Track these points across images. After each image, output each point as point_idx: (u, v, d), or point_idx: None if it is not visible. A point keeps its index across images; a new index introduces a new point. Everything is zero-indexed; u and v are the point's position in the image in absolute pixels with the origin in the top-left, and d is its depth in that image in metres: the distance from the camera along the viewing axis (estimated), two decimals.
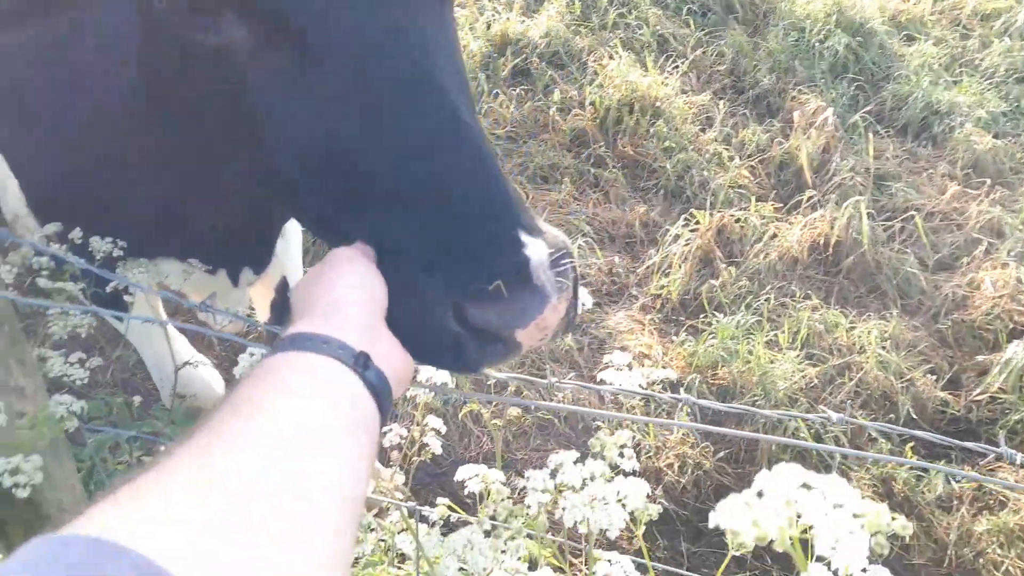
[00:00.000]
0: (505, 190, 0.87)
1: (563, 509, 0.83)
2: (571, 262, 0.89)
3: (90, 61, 1.23)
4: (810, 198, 3.44)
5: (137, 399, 1.65)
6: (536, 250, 0.83)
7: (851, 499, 0.59)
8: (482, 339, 0.84)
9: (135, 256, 1.33)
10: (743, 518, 0.58)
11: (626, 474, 0.88)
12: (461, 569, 0.89)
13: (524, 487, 1.02)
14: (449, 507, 1.25)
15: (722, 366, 2.75)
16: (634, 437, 2.58)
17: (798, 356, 2.81)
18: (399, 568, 1.41)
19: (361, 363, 0.68)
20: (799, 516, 0.57)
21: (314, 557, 0.48)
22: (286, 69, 0.88)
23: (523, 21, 4.24)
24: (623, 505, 0.79)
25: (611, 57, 4.09)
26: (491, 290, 0.80)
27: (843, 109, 3.91)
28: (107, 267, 1.29)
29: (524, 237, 0.83)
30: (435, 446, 1.52)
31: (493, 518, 0.99)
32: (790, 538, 0.56)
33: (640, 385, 1.16)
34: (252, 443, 0.53)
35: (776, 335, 2.87)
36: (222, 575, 0.41)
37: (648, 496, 0.80)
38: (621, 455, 0.87)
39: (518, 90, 3.93)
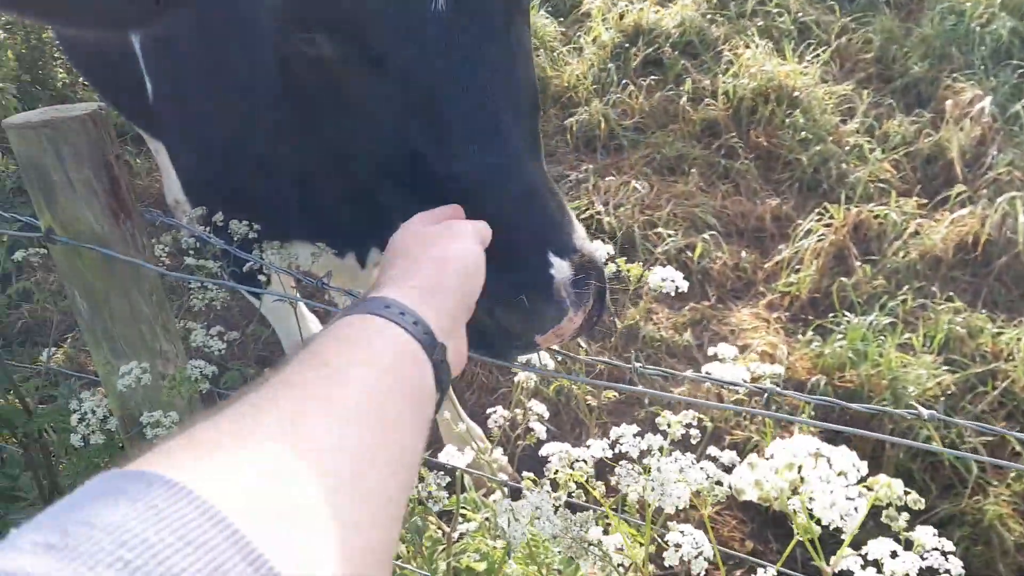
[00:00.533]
0: (543, 213, 0.99)
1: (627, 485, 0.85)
2: (597, 277, 1.01)
3: (236, 64, 1.35)
4: (959, 194, 3.22)
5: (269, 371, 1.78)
6: (561, 271, 0.95)
7: (856, 469, 0.61)
8: (507, 335, 0.98)
9: (270, 239, 1.45)
10: (748, 478, 0.62)
11: (695, 453, 0.88)
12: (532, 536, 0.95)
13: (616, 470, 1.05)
14: (533, 480, 1.29)
15: (850, 368, 2.63)
16: (751, 439, 2.52)
17: (935, 361, 2.65)
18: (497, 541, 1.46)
19: (439, 355, 0.68)
20: (802, 480, 0.59)
21: (378, 520, 0.49)
22: (367, 82, 1.02)
23: (657, 11, 4.19)
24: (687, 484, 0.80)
25: (748, 46, 3.97)
26: (517, 301, 0.94)
27: (1003, 98, 3.62)
28: (245, 249, 1.41)
29: (553, 258, 0.95)
30: (540, 431, 1.55)
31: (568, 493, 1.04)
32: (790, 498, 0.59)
33: (743, 380, 1.14)
34: (328, 409, 0.53)
35: (911, 338, 2.72)
36: (285, 530, 0.41)
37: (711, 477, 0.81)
38: (687, 434, 0.88)
39: (648, 80, 3.89)
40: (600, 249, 1.06)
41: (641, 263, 3.14)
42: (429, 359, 0.67)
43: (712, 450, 0.92)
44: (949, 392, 2.59)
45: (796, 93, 3.67)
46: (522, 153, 1.00)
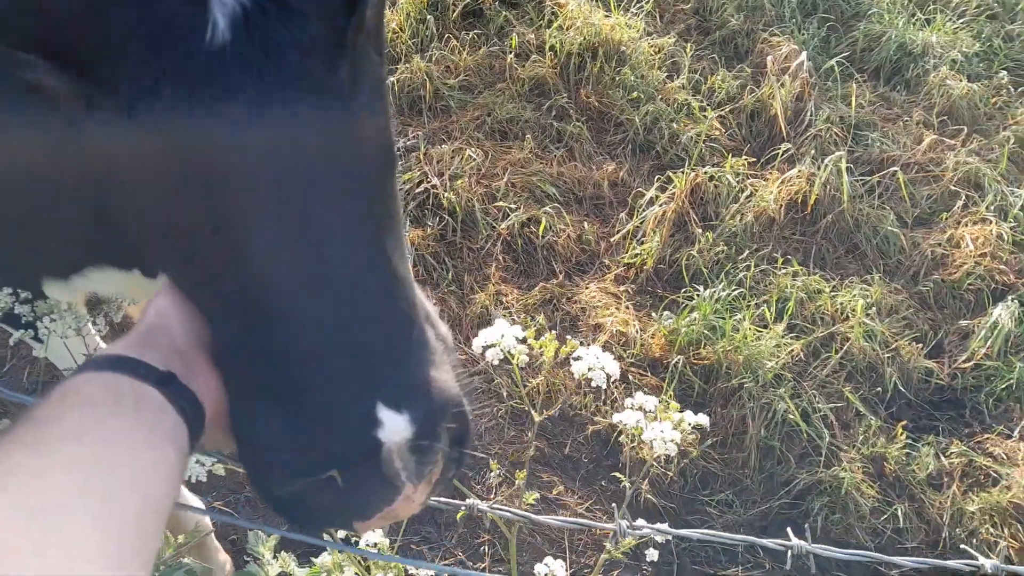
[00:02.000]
0: (370, 343, 0.70)
1: None
2: (457, 431, 0.78)
3: None
4: (786, 151, 3.26)
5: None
6: (394, 430, 0.69)
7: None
8: (319, 512, 0.75)
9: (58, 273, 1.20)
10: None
11: None
12: None
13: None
14: None
15: (706, 344, 2.59)
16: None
17: (782, 328, 2.67)
18: None
19: (163, 381, 0.68)
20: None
21: (116, 552, 0.53)
22: (113, 133, 0.67)
23: None
24: None
25: None
26: (323, 479, 0.70)
27: (814, 51, 3.70)
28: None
29: (384, 413, 0.68)
30: None
31: None
32: None
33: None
34: (53, 452, 0.57)
35: (759, 308, 2.72)
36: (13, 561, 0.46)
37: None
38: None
39: (471, 35, 3.61)
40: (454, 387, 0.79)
41: (484, 238, 2.92)
42: (155, 387, 0.68)
43: None
44: (797, 359, 2.63)
45: (623, 48, 3.54)
46: (344, 248, 0.68)
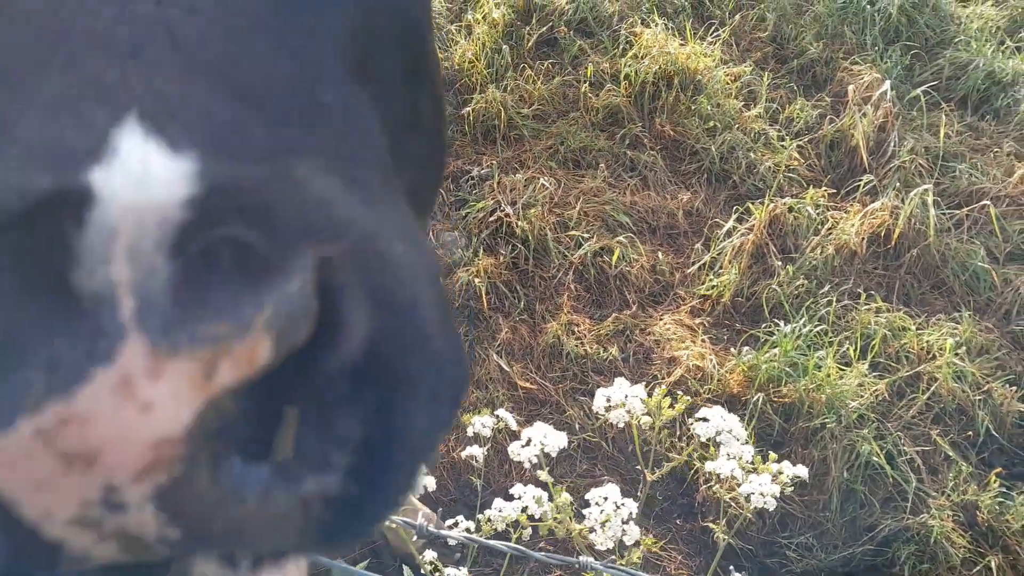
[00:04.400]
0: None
1: None
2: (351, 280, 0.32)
3: None
4: (868, 183, 3.17)
5: None
6: (140, 173, 0.28)
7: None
8: None
9: None
10: None
11: None
12: None
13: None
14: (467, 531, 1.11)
15: (787, 382, 2.52)
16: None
17: (865, 367, 2.58)
18: None
19: None
20: None
21: None
22: None
23: None
24: None
25: (645, 24, 3.77)
26: None
27: (897, 80, 3.60)
28: None
29: (128, 134, 0.28)
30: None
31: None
32: None
33: None
34: None
35: (842, 345, 2.64)
36: None
37: None
38: None
39: (545, 64, 3.62)
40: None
41: (556, 267, 2.90)
42: None
43: None
44: (881, 399, 2.53)
45: (699, 77, 3.51)
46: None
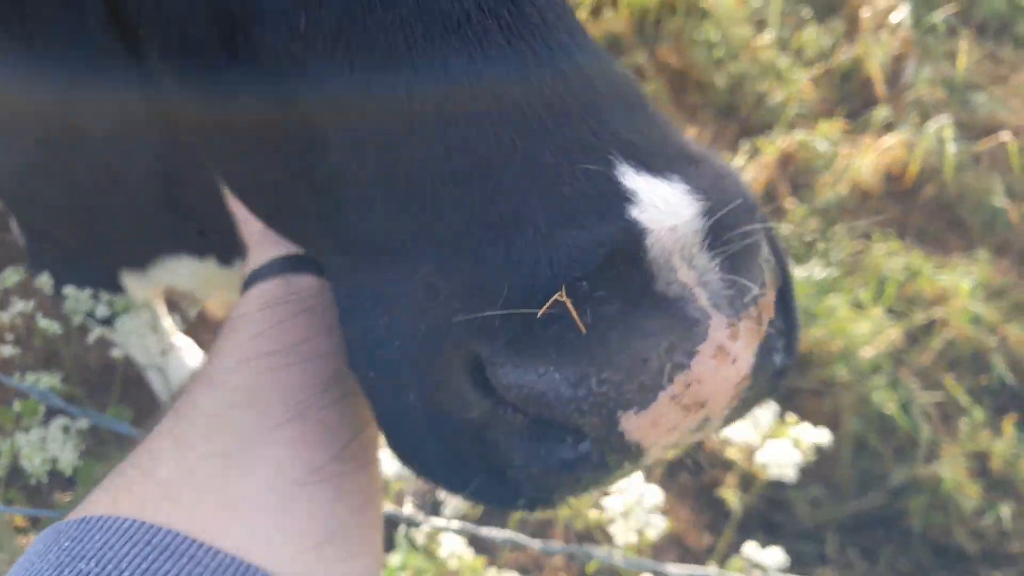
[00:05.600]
0: (577, 43, 0.43)
1: None
2: (758, 228, 0.42)
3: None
4: (883, 116, 3.01)
5: None
6: (664, 205, 0.37)
7: None
8: (540, 437, 0.39)
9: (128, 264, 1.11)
10: None
11: None
12: None
13: None
14: None
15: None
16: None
17: (880, 312, 2.48)
18: None
19: (306, 262, 0.58)
20: None
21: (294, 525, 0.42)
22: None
23: None
24: None
25: None
26: (540, 317, 0.34)
27: (916, 4, 3.40)
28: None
29: (630, 176, 0.37)
30: None
31: None
32: None
33: None
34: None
35: (856, 290, 2.54)
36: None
37: None
38: None
39: None
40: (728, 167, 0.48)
41: None
42: None
43: None
44: (896, 346, 2.45)
45: (704, 2, 3.31)
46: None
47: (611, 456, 0.40)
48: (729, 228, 0.39)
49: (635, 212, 0.37)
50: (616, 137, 0.39)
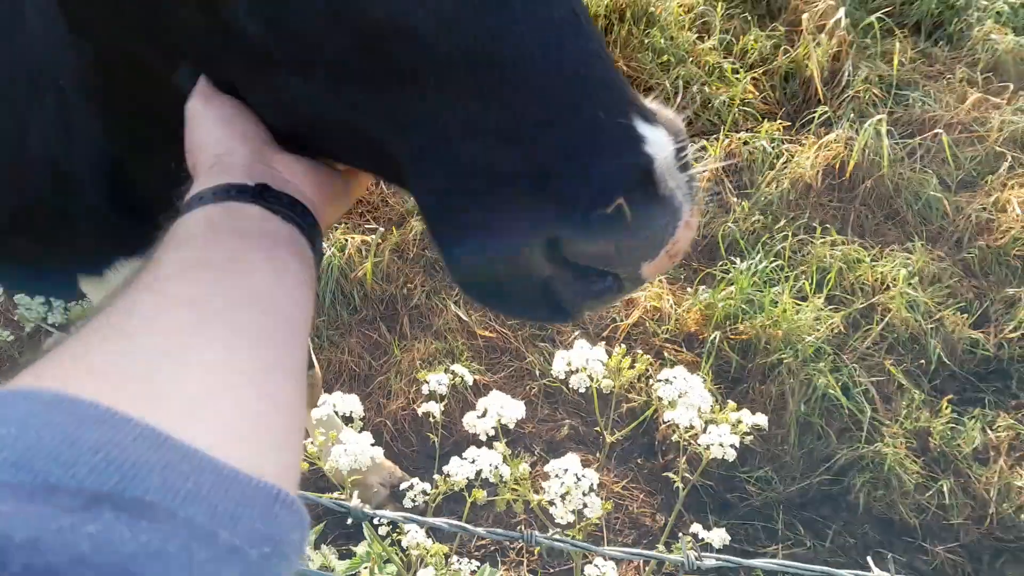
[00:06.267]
0: (603, 56, 0.62)
1: None
2: (692, 153, 0.67)
3: None
4: (822, 114, 3.15)
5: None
6: (659, 143, 0.59)
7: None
8: (585, 278, 0.63)
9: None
10: None
11: None
12: None
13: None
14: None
15: (743, 319, 2.53)
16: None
17: (821, 300, 2.60)
18: None
19: (256, 194, 0.64)
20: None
21: (261, 361, 0.49)
22: None
23: None
24: None
25: None
26: (609, 212, 0.57)
27: (852, 6, 3.55)
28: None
29: (641, 126, 0.59)
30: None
31: None
32: None
33: None
34: (165, 289, 0.52)
35: (798, 280, 2.65)
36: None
37: None
38: None
39: None
40: (669, 112, 0.69)
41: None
42: (251, 203, 0.63)
43: None
44: (837, 332, 2.56)
45: (651, 9, 3.42)
46: None
47: (627, 285, 0.64)
48: (681, 153, 0.61)
49: (647, 148, 0.58)
50: (630, 101, 0.60)
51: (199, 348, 0.47)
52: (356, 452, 0.98)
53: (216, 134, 0.70)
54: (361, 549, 1.71)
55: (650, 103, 0.65)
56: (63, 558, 0.32)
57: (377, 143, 0.65)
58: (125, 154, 0.97)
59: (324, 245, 0.79)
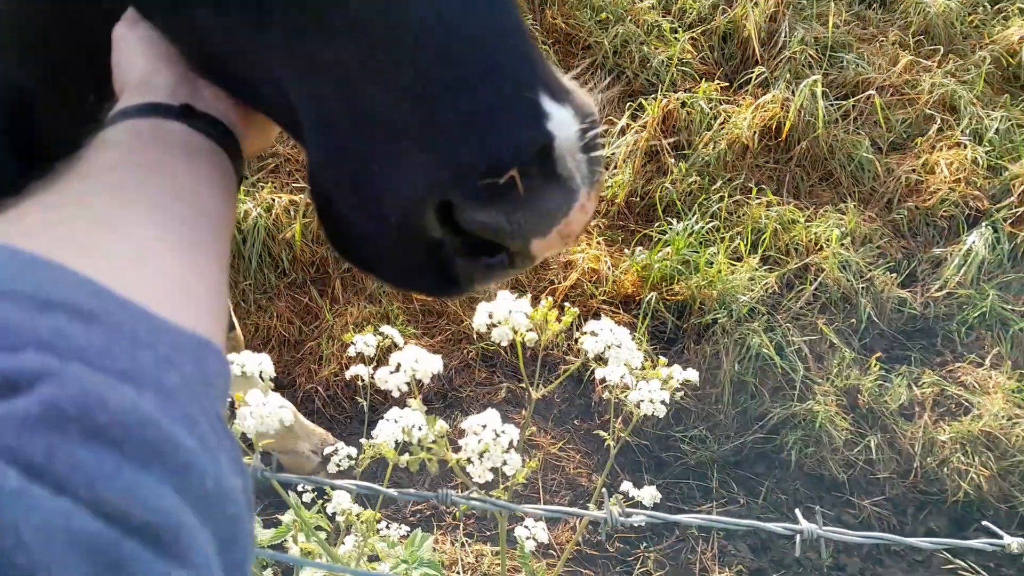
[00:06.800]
0: (521, 30, 0.61)
1: None
2: (601, 136, 0.65)
3: None
4: (760, 75, 3.14)
5: None
6: (564, 122, 0.58)
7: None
8: (476, 250, 0.62)
9: None
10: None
11: None
12: None
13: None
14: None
15: (679, 279, 2.52)
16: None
17: (756, 261, 2.61)
18: None
19: (181, 113, 0.64)
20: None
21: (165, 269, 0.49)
22: None
23: None
24: None
25: None
26: (500, 183, 0.56)
27: None
28: None
29: (547, 103, 0.58)
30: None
31: None
32: None
33: None
34: (94, 177, 0.54)
35: (734, 240, 2.65)
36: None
37: None
38: None
39: None
40: (585, 94, 0.66)
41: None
42: (172, 119, 0.64)
43: None
44: (771, 292, 2.58)
45: None
46: None
47: (518, 262, 0.62)
48: (588, 134, 0.59)
49: (550, 125, 0.56)
50: (540, 76, 0.58)
51: (129, 222, 0.49)
52: (263, 414, 0.92)
53: (144, 56, 0.71)
54: (287, 518, 1.66)
55: (568, 81, 0.64)
56: (28, 339, 0.35)
57: (281, 86, 0.63)
58: (38, 86, 0.90)
59: (246, 179, 0.77)
